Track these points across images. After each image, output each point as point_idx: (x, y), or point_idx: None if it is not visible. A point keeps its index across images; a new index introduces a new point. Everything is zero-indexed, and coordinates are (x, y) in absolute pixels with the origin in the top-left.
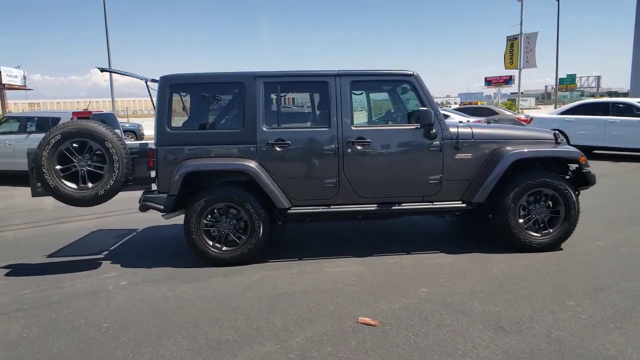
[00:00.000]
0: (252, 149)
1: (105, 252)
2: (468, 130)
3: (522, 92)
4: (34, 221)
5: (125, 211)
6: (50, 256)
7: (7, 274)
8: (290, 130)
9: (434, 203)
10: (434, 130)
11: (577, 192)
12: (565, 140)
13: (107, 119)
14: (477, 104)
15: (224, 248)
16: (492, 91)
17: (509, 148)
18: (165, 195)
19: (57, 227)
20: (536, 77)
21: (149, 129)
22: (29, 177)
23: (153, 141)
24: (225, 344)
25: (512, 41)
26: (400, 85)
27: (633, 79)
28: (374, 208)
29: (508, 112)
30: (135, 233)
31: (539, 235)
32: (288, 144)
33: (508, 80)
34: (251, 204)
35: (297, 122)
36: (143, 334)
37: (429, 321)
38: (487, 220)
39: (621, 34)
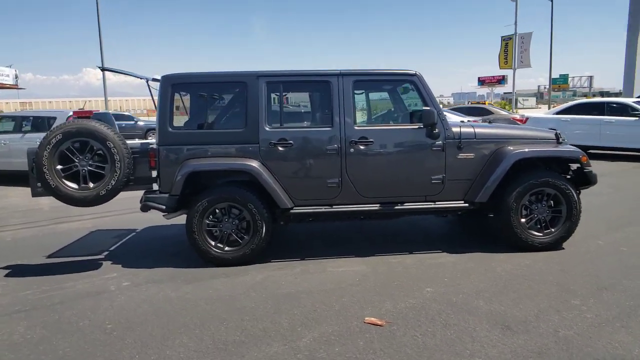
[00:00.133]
0: (254, 148)
1: (105, 253)
2: (470, 129)
3: (515, 92)
4: (32, 221)
5: (123, 211)
6: (49, 257)
7: (6, 275)
8: (293, 129)
9: (437, 203)
10: (436, 130)
11: (578, 192)
12: (567, 140)
13: (104, 119)
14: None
15: (227, 248)
16: (485, 91)
17: (510, 148)
18: (167, 195)
19: (55, 227)
20: (529, 77)
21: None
22: (28, 177)
23: (154, 140)
24: (232, 345)
25: (506, 41)
26: (403, 84)
27: (626, 79)
28: (376, 208)
29: (503, 112)
30: (134, 233)
31: (541, 234)
32: (290, 143)
33: (501, 80)
34: (254, 203)
35: (300, 122)
36: (148, 335)
37: (436, 321)
38: (487, 220)
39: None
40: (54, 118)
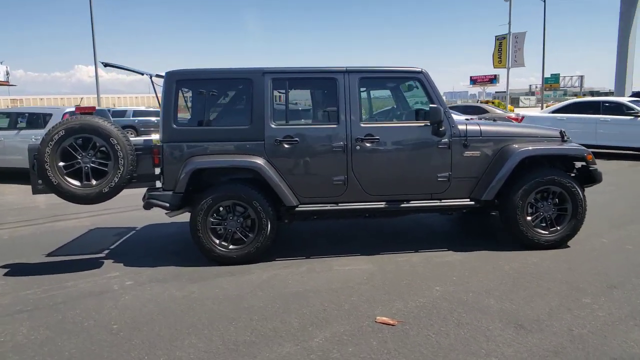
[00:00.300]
0: (259, 146)
1: (106, 251)
2: (476, 127)
3: (508, 91)
4: (29, 219)
5: (121, 209)
6: (49, 255)
7: (6, 274)
8: (299, 127)
9: (442, 201)
10: (442, 128)
11: (582, 190)
12: (571, 138)
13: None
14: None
15: (231, 247)
16: (477, 90)
17: (516, 146)
18: (170, 192)
19: (53, 225)
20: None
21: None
22: (29, 174)
23: (158, 137)
24: (243, 345)
25: (500, 40)
26: (409, 82)
27: (617, 78)
28: (382, 206)
29: (498, 111)
30: (134, 231)
31: (547, 232)
32: (296, 140)
33: (493, 79)
34: (259, 201)
35: (306, 119)
36: (156, 335)
37: (448, 320)
38: (488, 218)
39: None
40: (50, 115)
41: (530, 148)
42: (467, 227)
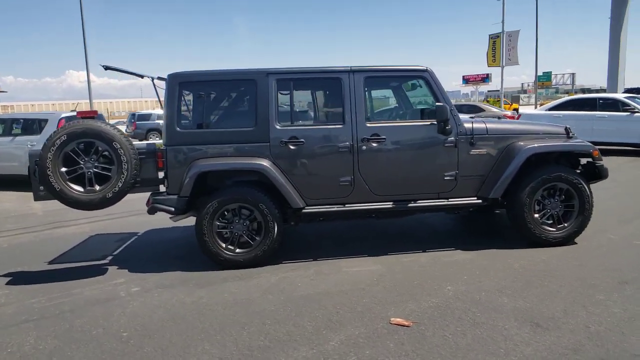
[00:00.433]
0: (265, 147)
1: (109, 257)
2: (482, 125)
3: (502, 90)
4: (27, 226)
5: (120, 215)
6: (51, 263)
7: (8, 283)
8: (304, 127)
9: (450, 199)
10: (449, 126)
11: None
12: (576, 134)
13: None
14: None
15: (238, 250)
16: (470, 89)
17: (522, 143)
18: (175, 196)
19: (52, 232)
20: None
21: None
22: (30, 181)
23: (161, 141)
24: (258, 350)
25: (494, 39)
26: (414, 80)
27: (610, 76)
28: (389, 206)
29: (495, 109)
30: (136, 237)
31: (554, 229)
32: (302, 141)
33: (485, 78)
34: (265, 204)
35: (311, 120)
36: (168, 342)
37: (464, 320)
38: (492, 216)
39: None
40: (46, 120)
41: (536, 145)
42: (470, 225)
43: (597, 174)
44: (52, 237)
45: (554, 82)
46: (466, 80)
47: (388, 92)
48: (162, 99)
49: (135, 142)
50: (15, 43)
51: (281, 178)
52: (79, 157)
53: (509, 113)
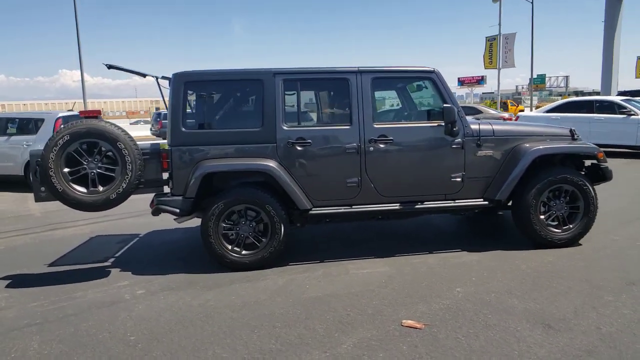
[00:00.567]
0: (271, 148)
1: (112, 259)
2: (489, 127)
3: (499, 92)
4: (25, 228)
5: (120, 216)
6: (51, 265)
7: (8, 286)
8: (311, 128)
9: (456, 201)
10: (456, 128)
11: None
12: (581, 136)
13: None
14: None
15: (244, 252)
16: (465, 91)
17: (527, 145)
18: (180, 198)
19: (52, 234)
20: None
21: None
22: (32, 182)
23: (165, 141)
24: (270, 354)
25: (491, 42)
26: (421, 81)
27: (603, 78)
28: (396, 207)
29: (492, 111)
30: (138, 238)
31: (560, 231)
32: (309, 142)
33: (480, 80)
34: (272, 205)
35: (318, 120)
36: (177, 346)
37: (475, 322)
38: (496, 217)
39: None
40: (42, 120)
41: (542, 147)
42: (475, 226)
43: (601, 175)
44: (51, 239)
45: (547, 84)
46: (461, 82)
47: (393, 93)
48: (166, 98)
49: (140, 142)
50: (7, 41)
51: (288, 179)
52: (82, 158)
53: (506, 115)
